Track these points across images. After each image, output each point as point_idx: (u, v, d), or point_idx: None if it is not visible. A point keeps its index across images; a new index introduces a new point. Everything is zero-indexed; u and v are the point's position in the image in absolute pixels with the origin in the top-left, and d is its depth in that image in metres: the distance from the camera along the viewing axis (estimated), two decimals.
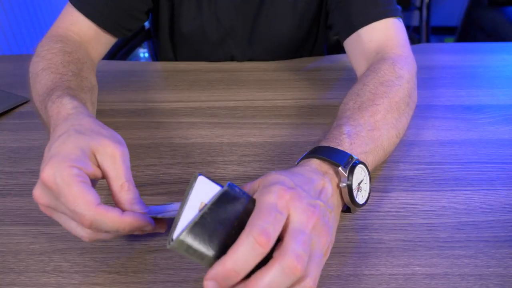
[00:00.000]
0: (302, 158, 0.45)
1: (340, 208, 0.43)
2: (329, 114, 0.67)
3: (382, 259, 0.42)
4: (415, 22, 2.79)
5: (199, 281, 0.40)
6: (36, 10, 1.69)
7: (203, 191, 0.34)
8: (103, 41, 0.70)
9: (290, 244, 0.32)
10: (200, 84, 0.77)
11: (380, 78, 0.55)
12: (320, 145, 0.46)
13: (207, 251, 0.32)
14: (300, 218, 0.34)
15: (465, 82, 0.77)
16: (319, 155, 0.43)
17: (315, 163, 0.43)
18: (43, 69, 0.56)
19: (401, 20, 0.67)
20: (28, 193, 0.51)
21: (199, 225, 0.32)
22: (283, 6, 0.80)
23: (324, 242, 0.35)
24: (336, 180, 0.42)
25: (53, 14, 1.81)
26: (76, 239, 0.44)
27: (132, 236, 0.45)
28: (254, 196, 0.35)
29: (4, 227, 0.46)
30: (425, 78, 0.77)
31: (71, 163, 0.36)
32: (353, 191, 0.42)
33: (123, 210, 0.37)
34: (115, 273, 0.41)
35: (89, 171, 0.37)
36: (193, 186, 0.34)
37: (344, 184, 0.41)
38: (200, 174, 0.34)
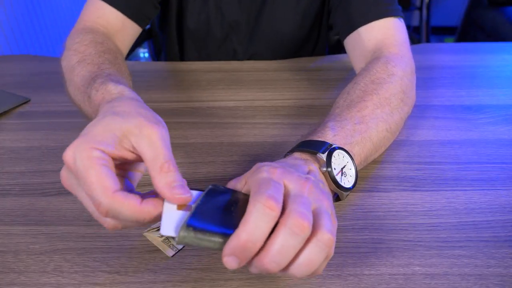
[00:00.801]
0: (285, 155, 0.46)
1: (330, 191, 0.43)
2: None
3: (382, 259, 0.42)
4: (415, 22, 2.79)
5: (199, 281, 0.40)
6: (36, 10, 1.69)
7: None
8: (129, 32, 0.70)
9: (292, 205, 0.32)
10: (200, 84, 0.77)
11: (372, 76, 0.56)
12: (302, 140, 0.46)
13: (214, 235, 0.32)
14: (295, 186, 0.34)
15: (465, 82, 0.77)
16: (298, 147, 0.44)
17: (295, 154, 0.44)
18: (79, 61, 0.56)
19: (402, 20, 0.67)
20: (28, 193, 0.51)
21: (198, 214, 0.32)
22: (285, 4, 0.80)
23: (326, 205, 0.35)
24: (318, 165, 0.43)
25: (53, 14, 1.81)
26: (76, 239, 0.45)
27: (132, 236, 0.45)
28: (247, 182, 0.36)
29: (4, 227, 0.46)
30: (425, 78, 0.77)
31: (94, 145, 0.33)
32: (336, 175, 0.42)
33: (162, 196, 0.34)
34: (115, 273, 0.41)
35: (115, 154, 0.34)
36: None
37: (324, 169, 0.42)
38: None
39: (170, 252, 0.43)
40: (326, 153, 0.42)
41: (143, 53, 2.43)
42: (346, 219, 0.47)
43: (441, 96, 0.72)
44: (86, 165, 0.32)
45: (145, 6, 0.71)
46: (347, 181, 0.44)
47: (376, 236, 0.45)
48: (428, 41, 2.39)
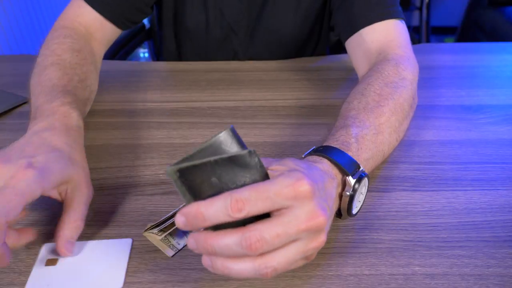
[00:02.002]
0: (311, 153, 0.44)
1: (334, 213, 0.42)
2: (329, 114, 0.67)
3: (382, 259, 0.42)
4: (415, 22, 2.79)
5: (199, 281, 0.40)
6: (36, 10, 1.69)
7: (226, 143, 0.34)
8: (108, 32, 0.71)
9: (263, 224, 0.32)
10: (200, 84, 0.77)
11: (385, 79, 0.55)
12: (329, 144, 0.45)
13: (190, 195, 0.32)
14: (299, 215, 0.33)
15: (465, 82, 0.77)
16: (330, 156, 0.42)
17: (327, 163, 0.42)
18: (52, 63, 0.58)
19: (403, 22, 0.67)
20: None
21: (197, 168, 0.32)
22: (286, 4, 0.80)
23: (310, 249, 0.35)
24: (340, 188, 0.42)
25: (53, 14, 1.81)
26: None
27: (132, 236, 0.45)
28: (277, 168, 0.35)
29: None
30: (425, 78, 0.77)
31: (44, 184, 0.39)
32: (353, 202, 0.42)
33: (57, 239, 0.41)
34: None
35: (48, 192, 0.42)
36: (220, 135, 0.34)
37: (348, 193, 0.41)
38: (232, 127, 0.34)
39: (170, 252, 0.43)
40: (356, 178, 0.41)
41: (143, 53, 2.43)
42: (346, 219, 0.47)
43: (441, 96, 0.72)
44: (18, 187, 0.37)
45: (128, 11, 0.71)
46: (356, 207, 0.44)
47: (376, 236, 0.45)
48: (428, 41, 2.39)
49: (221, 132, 0.34)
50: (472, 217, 0.47)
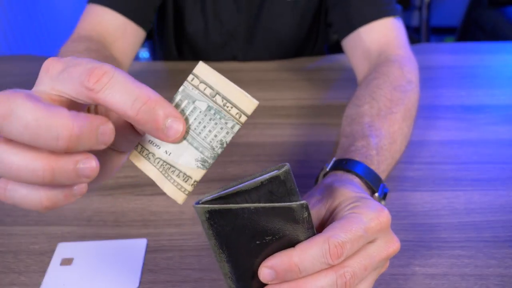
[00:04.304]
0: (337, 168, 0.43)
1: None
2: (329, 114, 0.66)
3: None
4: (415, 22, 2.79)
5: (199, 281, 0.40)
6: (36, 10, 1.69)
7: (276, 185, 0.28)
8: (131, 39, 0.68)
9: (352, 260, 0.31)
10: None
11: (392, 82, 0.55)
12: (353, 157, 0.44)
13: (215, 241, 0.28)
14: (381, 246, 0.33)
15: (465, 82, 0.77)
16: (360, 174, 0.42)
17: (358, 182, 0.41)
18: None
19: (400, 20, 0.67)
20: None
21: (231, 213, 0.27)
22: (283, 5, 0.80)
23: (379, 274, 0.34)
24: None
25: (53, 14, 1.81)
26: (76, 239, 0.45)
27: (133, 236, 0.45)
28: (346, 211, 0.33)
29: (4, 227, 0.46)
30: (425, 78, 0.77)
31: None
32: None
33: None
34: None
35: None
36: (269, 174, 0.27)
37: None
38: (289, 166, 0.28)
39: (168, 187, 0.30)
40: (382, 195, 0.42)
41: (143, 53, 2.43)
42: None
43: (441, 96, 0.72)
44: None
45: (146, 8, 0.69)
46: None
47: None
48: (428, 41, 2.39)
49: (272, 170, 0.28)
50: (472, 217, 0.47)
